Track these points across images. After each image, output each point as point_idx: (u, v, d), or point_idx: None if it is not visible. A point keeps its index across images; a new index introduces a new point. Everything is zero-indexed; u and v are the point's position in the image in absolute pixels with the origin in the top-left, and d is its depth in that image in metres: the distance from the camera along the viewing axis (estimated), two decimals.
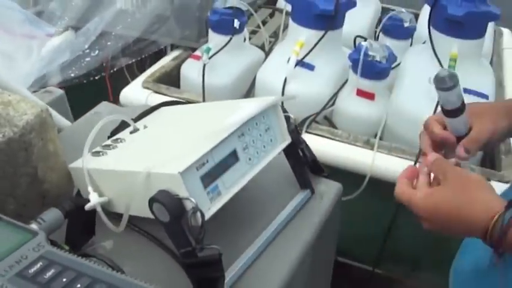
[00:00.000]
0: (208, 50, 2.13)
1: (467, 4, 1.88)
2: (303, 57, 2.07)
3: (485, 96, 1.95)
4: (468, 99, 1.91)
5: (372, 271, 2.16)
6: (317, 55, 2.08)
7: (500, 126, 1.06)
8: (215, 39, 2.22)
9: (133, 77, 2.31)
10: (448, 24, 1.92)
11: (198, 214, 0.85)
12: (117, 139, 1.12)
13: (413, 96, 1.97)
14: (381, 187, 1.83)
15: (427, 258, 2.05)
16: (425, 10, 2.58)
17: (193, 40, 2.43)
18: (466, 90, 1.91)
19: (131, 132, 1.14)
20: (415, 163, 1.78)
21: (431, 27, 1.97)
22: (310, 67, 2.09)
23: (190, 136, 1.03)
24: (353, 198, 1.84)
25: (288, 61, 2.06)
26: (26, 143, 0.98)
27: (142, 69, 2.37)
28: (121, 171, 0.97)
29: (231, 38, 2.19)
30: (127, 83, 2.21)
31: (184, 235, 0.87)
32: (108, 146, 1.09)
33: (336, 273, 1.53)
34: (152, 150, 1.04)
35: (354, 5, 2.12)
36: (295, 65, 2.05)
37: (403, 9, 2.58)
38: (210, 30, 2.25)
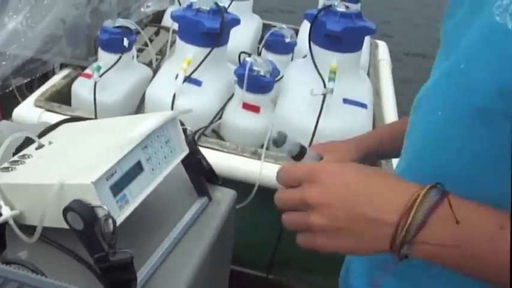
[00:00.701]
0: (98, 68, 2.17)
1: (345, 20, 2.00)
2: (191, 74, 2.14)
3: (364, 105, 2.07)
4: (348, 108, 2.05)
5: (264, 277, 2.23)
6: (204, 71, 2.16)
7: (347, 159, 1.26)
8: (105, 57, 2.25)
9: (23, 96, 2.31)
10: (327, 39, 2.03)
11: (110, 221, 0.89)
12: (24, 155, 1.14)
13: (297, 108, 2.07)
14: (270, 195, 1.93)
15: (317, 263, 2.10)
16: (305, 26, 2.69)
17: (83, 59, 2.46)
18: (346, 101, 2.04)
19: (37, 148, 1.16)
20: None
21: (311, 42, 2.07)
22: (198, 83, 2.16)
23: (96, 150, 1.07)
24: (244, 207, 1.90)
25: (176, 77, 2.12)
26: None
27: (31, 89, 2.36)
28: (34, 184, 1.00)
29: (120, 57, 2.23)
30: (17, 102, 2.21)
31: (98, 241, 0.91)
32: (16, 162, 1.11)
33: (229, 280, 1.60)
34: (61, 163, 1.07)
35: (238, 22, 2.22)
36: (183, 81, 2.11)
37: (284, 25, 2.69)
38: (99, 49, 2.28)
